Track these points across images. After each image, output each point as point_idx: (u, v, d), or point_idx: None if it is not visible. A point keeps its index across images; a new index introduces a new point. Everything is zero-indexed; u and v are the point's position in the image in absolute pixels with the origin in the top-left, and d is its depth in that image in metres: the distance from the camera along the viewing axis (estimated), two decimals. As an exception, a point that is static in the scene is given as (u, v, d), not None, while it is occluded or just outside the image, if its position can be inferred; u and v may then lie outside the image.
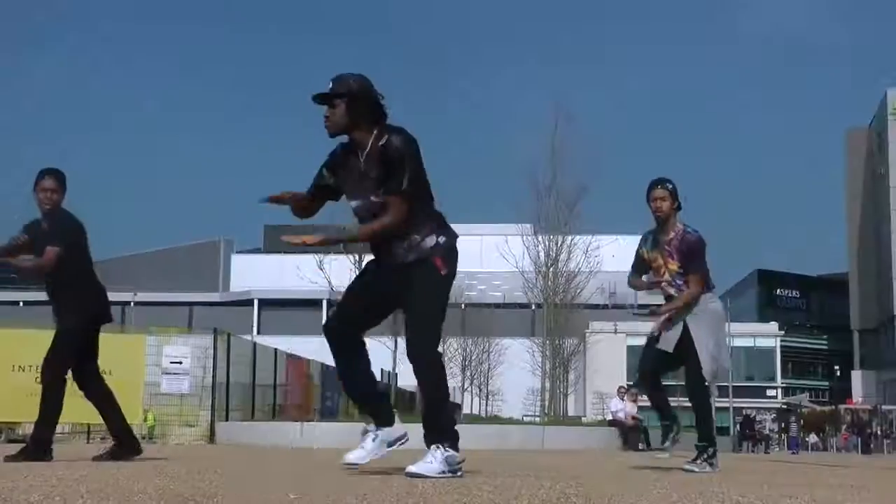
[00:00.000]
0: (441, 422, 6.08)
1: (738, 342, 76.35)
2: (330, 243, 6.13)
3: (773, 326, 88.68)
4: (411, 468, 5.76)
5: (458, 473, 5.89)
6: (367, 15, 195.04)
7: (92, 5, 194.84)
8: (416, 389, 6.62)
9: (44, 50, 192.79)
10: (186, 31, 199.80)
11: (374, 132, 6.01)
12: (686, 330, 8.56)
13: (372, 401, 6.43)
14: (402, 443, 6.32)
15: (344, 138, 6.14)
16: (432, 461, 5.81)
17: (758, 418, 55.17)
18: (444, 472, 5.77)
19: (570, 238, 43.04)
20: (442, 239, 6.19)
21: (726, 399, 65.93)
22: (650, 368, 8.91)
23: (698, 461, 8.53)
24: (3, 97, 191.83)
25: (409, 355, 6.10)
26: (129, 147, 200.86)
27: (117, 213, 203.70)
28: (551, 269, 42.95)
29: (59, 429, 26.41)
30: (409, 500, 4.11)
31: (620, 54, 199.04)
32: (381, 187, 5.99)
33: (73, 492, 4.28)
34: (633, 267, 9.06)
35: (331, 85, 6.03)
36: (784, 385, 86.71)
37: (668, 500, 4.36)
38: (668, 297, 8.76)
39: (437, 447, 5.88)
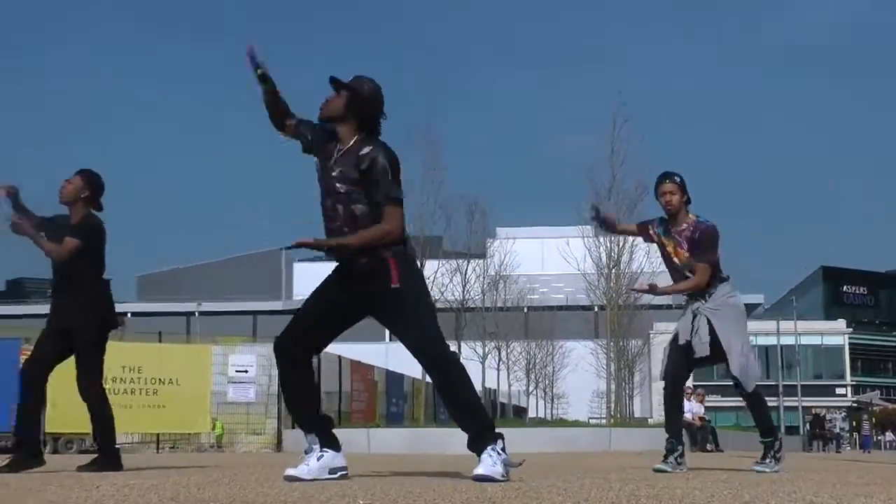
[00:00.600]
0: (486, 420, 5.98)
1: (805, 340, 75.66)
2: (322, 247, 5.99)
3: (840, 324, 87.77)
4: (479, 471, 5.67)
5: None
6: (417, 22, 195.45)
7: (176, 19, 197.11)
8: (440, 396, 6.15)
9: (108, 61, 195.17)
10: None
11: (357, 136, 6.07)
12: (713, 330, 8.35)
13: (318, 422, 6.23)
14: (344, 475, 6.11)
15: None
16: (494, 463, 5.70)
17: (828, 417, 54.67)
18: (504, 474, 5.68)
19: (631, 239, 42.79)
20: (400, 247, 6.07)
21: (795, 398, 65.35)
22: (674, 374, 8.61)
23: (767, 459, 8.44)
24: (62, 107, 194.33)
25: (426, 362, 6.00)
26: (194, 161, 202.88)
27: (181, 226, 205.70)
28: (613, 271, 42.73)
29: (127, 438, 26.55)
30: (478, 504, 4.10)
31: (679, 52, 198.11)
32: (345, 182, 6.01)
33: (145, 500, 4.31)
34: (638, 224, 9.19)
35: (350, 78, 6.12)
36: (854, 383, 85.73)
37: (741, 500, 4.32)
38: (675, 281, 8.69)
39: (493, 448, 5.78)
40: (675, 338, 8.60)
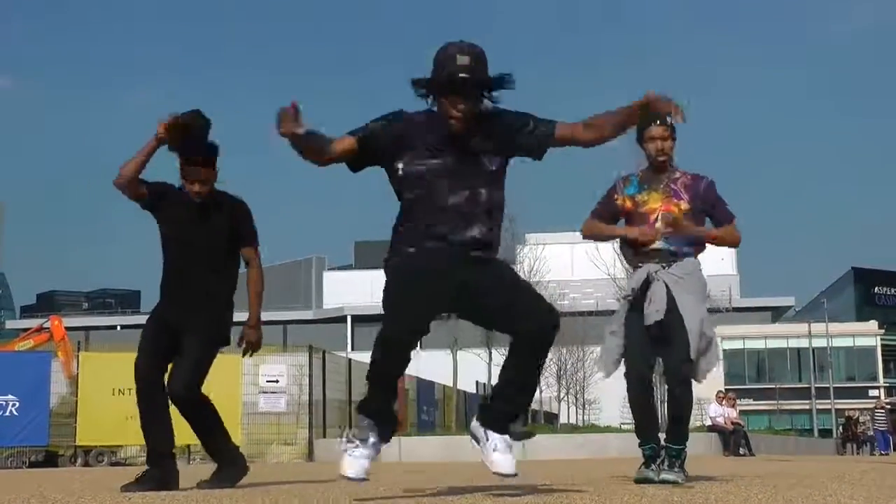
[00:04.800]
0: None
1: (838, 342, 75.30)
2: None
3: (872, 325, 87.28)
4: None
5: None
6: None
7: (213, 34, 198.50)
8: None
9: (138, 84, 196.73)
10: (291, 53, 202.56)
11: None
12: (672, 299, 6.64)
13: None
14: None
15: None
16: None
17: (861, 419, 54.29)
18: None
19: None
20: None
21: (828, 400, 65.03)
22: (646, 363, 6.83)
23: (676, 468, 6.78)
24: (96, 128, 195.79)
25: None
26: (223, 171, 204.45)
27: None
28: (644, 275, 42.69)
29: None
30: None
31: (712, 56, 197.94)
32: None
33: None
34: (594, 213, 7.00)
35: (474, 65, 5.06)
36: (887, 384, 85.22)
37: (775, 502, 4.28)
38: (645, 252, 6.81)
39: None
40: (632, 315, 6.85)
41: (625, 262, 7.19)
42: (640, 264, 6.83)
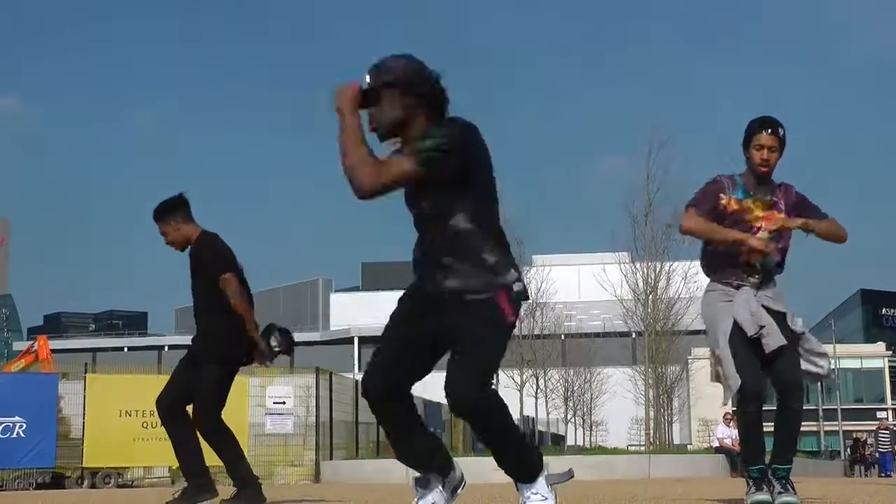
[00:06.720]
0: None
1: (845, 364, 75.18)
2: None
3: (880, 347, 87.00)
4: None
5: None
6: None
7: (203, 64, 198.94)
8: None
9: (141, 104, 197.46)
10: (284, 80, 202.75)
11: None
12: (775, 317, 6.34)
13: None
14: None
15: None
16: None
17: (869, 441, 54.09)
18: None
19: (668, 264, 42.68)
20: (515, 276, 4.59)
21: (835, 422, 64.83)
22: (757, 382, 6.33)
23: (790, 489, 6.32)
24: (100, 148, 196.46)
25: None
26: (228, 193, 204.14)
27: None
28: (651, 297, 42.59)
29: (166, 472, 26.27)
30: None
31: (715, 76, 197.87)
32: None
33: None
34: (697, 208, 6.50)
35: (369, 77, 4.44)
36: (895, 406, 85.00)
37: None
38: (747, 265, 6.43)
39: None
40: (736, 333, 6.39)
41: (705, 270, 6.81)
42: (737, 280, 6.50)
